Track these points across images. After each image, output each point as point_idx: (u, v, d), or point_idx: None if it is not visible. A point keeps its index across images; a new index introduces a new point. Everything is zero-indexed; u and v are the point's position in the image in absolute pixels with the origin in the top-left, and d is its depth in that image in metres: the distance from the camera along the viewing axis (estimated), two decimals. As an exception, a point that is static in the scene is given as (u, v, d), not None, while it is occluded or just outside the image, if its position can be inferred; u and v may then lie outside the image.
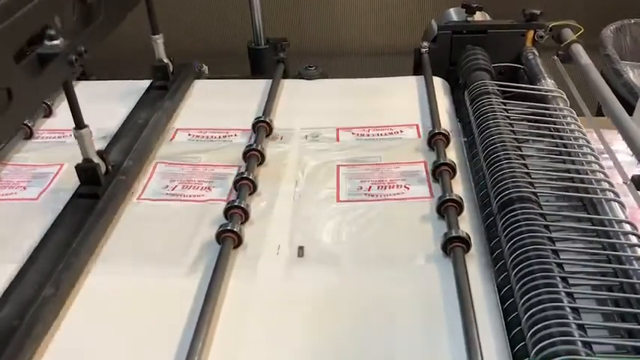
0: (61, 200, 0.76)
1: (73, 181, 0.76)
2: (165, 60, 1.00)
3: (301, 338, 0.59)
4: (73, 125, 0.72)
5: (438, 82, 1.02)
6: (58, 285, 0.62)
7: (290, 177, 0.82)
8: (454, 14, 1.14)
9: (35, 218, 0.74)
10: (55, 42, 0.64)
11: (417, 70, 1.10)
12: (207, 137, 0.92)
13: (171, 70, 1.00)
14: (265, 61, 1.18)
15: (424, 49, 1.08)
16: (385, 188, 0.78)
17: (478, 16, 1.09)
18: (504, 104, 0.86)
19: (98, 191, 0.74)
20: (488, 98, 0.87)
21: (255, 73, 1.20)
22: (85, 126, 0.72)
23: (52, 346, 0.59)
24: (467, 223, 0.71)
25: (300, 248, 0.69)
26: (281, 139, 0.90)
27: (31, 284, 0.62)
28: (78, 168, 0.74)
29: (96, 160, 0.74)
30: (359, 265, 0.67)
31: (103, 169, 0.75)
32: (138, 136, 0.87)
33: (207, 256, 0.69)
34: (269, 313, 0.62)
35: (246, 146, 0.84)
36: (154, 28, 0.96)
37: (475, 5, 1.04)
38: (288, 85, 1.05)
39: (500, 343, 0.57)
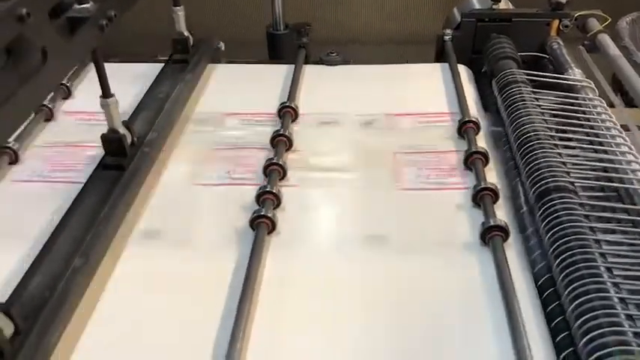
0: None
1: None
2: (186, 33, 0.98)
3: (346, 324, 0.59)
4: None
5: (462, 70, 1.01)
6: (89, 255, 0.61)
7: (316, 163, 0.81)
8: (476, 2, 1.13)
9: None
10: (85, 5, 0.63)
11: (439, 58, 1.09)
12: (236, 120, 0.90)
13: (191, 43, 0.99)
14: (284, 46, 1.16)
15: (447, 37, 1.07)
16: (428, 177, 0.77)
17: (502, 5, 1.08)
18: (534, 93, 0.85)
19: (124, 162, 0.73)
20: (518, 87, 0.86)
21: (273, 58, 1.18)
22: (112, 95, 0.71)
23: (94, 315, 0.59)
24: (501, 212, 0.71)
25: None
26: (304, 122, 0.89)
27: (61, 254, 0.61)
28: (103, 138, 0.73)
29: (122, 130, 0.73)
30: (399, 254, 0.67)
31: (129, 140, 0.74)
32: (160, 109, 0.85)
33: (239, 240, 0.68)
34: (312, 299, 0.62)
35: (274, 132, 0.83)
36: (175, 0, 0.95)
37: (501, -7, 1.03)
38: (310, 71, 1.04)
39: (543, 331, 0.57)
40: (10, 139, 0.81)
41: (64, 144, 0.85)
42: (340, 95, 0.97)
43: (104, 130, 0.73)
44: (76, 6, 0.62)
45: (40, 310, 0.54)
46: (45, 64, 0.54)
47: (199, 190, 0.76)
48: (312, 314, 0.60)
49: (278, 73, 1.03)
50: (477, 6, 1.11)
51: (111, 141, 0.73)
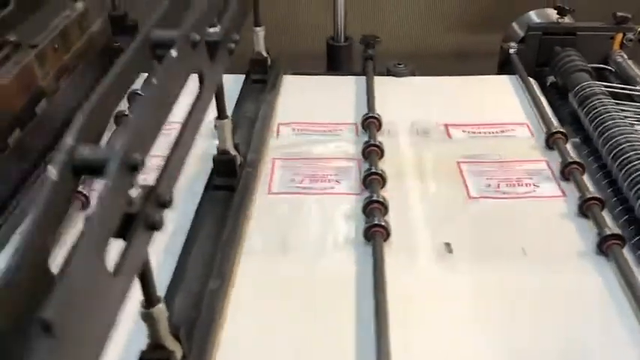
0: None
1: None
2: (264, 53, 0.99)
3: (470, 331, 0.59)
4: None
5: (530, 83, 1.02)
6: (223, 276, 0.61)
7: (411, 172, 0.82)
8: (535, 17, 1.15)
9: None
10: (215, 29, 0.63)
11: (502, 70, 1.11)
12: (313, 131, 0.91)
13: (268, 63, 1.00)
14: (344, 58, 1.18)
15: (513, 50, 1.08)
16: (514, 186, 0.78)
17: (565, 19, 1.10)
18: (617, 104, 0.87)
19: (233, 183, 0.73)
20: (600, 99, 0.88)
21: (332, 70, 1.19)
22: (227, 117, 0.71)
23: (225, 336, 0.58)
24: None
25: (447, 244, 0.69)
26: (389, 132, 0.90)
27: (196, 276, 0.61)
28: (216, 159, 0.73)
29: (232, 152, 0.73)
30: (510, 263, 0.67)
31: (239, 161, 0.74)
32: (251, 129, 0.86)
33: (350, 249, 0.69)
34: (430, 305, 0.62)
35: (365, 142, 0.83)
36: (256, 20, 0.95)
37: (568, 8, 1.05)
38: (378, 82, 1.04)
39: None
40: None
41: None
42: (410, 106, 0.97)
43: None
44: (209, 30, 0.62)
45: (191, 331, 0.54)
46: (202, 88, 0.55)
47: (296, 201, 0.77)
48: (435, 322, 0.60)
49: (345, 84, 1.04)
50: (536, 20, 1.13)
51: (223, 162, 0.73)
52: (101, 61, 1.00)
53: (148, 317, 0.45)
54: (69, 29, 0.89)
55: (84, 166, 0.35)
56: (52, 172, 0.33)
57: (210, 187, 0.74)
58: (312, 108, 0.97)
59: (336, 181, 0.80)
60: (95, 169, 0.35)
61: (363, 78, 1.05)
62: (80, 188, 0.71)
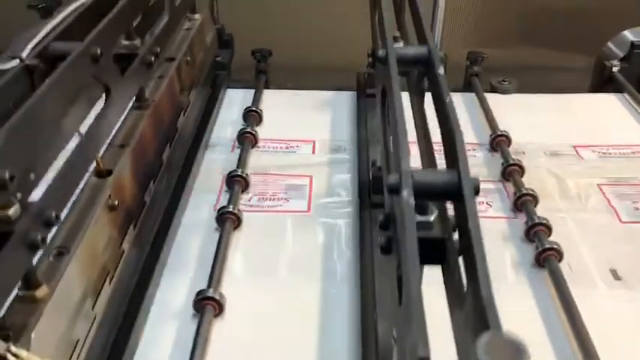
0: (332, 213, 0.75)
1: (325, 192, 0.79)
2: (372, 70, 0.98)
3: None
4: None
5: (641, 101, 1.02)
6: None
7: (552, 193, 0.80)
8: (632, 35, 1.15)
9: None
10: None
11: (601, 88, 1.11)
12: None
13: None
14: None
15: (616, 68, 1.08)
16: (663, 209, 0.77)
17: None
18: None
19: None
20: None
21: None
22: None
23: None
24: None
25: (613, 271, 0.68)
26: (524, 153, 0.88)
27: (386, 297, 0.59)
28: (375, 175, 0.72)
29: (387, 170, 0.72)
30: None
31: (386, 177, 0.73)
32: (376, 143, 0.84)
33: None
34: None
35: (504, 162, 0.82)
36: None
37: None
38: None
39: None
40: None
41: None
42: (522, 124, 0.96)
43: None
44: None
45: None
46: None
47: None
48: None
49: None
50: (634, 38, 1.13)
51: (378, 179, 0.71)
52: (210, 74, 0.99)
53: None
54: (194, 42, 0.87)
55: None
56: None
57: (366, 205, 0.73)
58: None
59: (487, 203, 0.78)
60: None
61: (468, 95, 1.04)
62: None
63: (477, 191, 0.34)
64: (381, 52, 0.49)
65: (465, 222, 0.32)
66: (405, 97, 0.52)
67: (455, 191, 0.34)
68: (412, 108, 0.52)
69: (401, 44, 0.61)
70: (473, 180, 0.34)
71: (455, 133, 0.36)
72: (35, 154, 0.43)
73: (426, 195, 0.35)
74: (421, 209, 0.36)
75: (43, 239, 0.41)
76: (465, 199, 0.33)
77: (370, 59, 0.95)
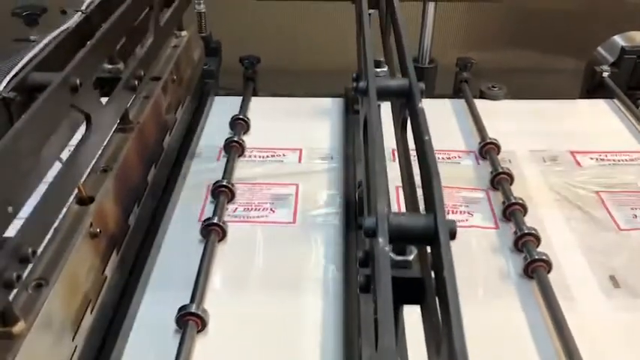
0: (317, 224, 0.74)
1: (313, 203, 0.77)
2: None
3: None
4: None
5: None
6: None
7: (553, 202, 0.80)
8: (621, 40, 1.14)
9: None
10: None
11: (591, 93, 1.10)
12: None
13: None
14: (429, 79, 1.16)
15: (606, 73, 1.07)
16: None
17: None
18: None
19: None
20: None
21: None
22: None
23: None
24: None
25: (612, 277, 0.67)
26: (509, 162, 0.87)
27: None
28: (359, 199, 0.71)
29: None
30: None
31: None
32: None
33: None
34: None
35: (493, 171, 0.81)
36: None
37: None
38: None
39: None
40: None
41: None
42: (512, 131, 0.95)
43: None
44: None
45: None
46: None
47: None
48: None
49: (441, 108, 1.02)
50: (624, 44, 1.12)
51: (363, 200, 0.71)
52: (199, 87, 0.98)
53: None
54: (181, 59, 0.86)
55: None
56: None
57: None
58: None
59: (468, 212, 0.77)
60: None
61: (457, 101, 1.04)
62: None
63: (452, 236, 0.33)
64: (362, 84, 0.49)
65: (440, 267, 0.31)
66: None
67: (431, 236, 0.33)
68: (395, 135, 0.52)
69: (385, 69, 0.60)
70: (449, 223, 0.33)
71: (432, 177, 0.36)
72: (13, 188, 0.42)
73: (402, 239, 0.34)
74: (400, 248, 0.36)
75: (19, 277, 0.40)
76: (441, 245, 0.32)
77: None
